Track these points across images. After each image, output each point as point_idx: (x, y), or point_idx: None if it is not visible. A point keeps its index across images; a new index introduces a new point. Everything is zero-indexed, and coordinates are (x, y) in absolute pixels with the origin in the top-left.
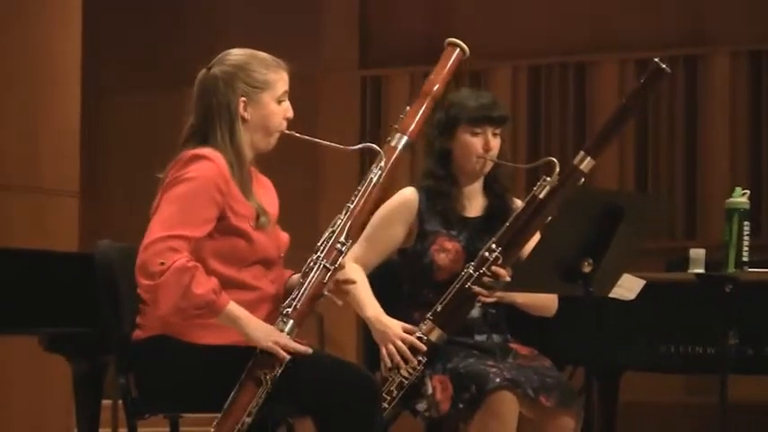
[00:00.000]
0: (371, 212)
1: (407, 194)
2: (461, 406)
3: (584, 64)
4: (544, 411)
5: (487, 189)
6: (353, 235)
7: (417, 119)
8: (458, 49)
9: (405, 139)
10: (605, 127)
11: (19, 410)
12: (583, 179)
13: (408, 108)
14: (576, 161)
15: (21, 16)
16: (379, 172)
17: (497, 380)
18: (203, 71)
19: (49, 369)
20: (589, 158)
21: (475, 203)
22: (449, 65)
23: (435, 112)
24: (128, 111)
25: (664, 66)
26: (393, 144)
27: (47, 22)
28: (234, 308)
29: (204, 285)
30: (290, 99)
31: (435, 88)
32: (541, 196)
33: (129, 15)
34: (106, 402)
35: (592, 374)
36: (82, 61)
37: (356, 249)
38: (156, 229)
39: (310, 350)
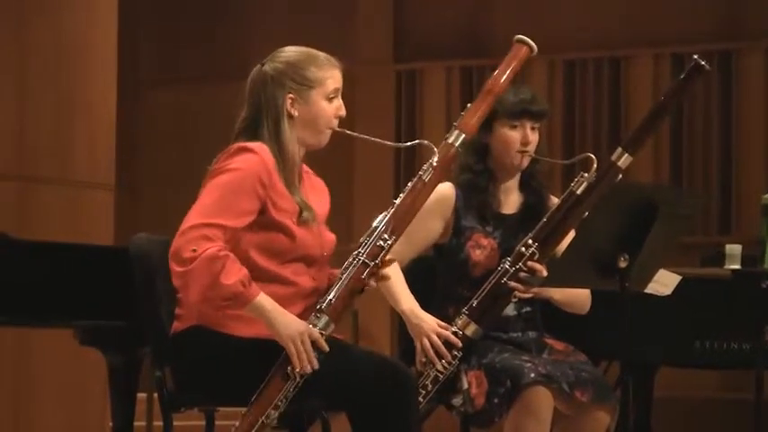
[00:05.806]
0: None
1: (444, 189)
2: (496, 401)
3: (618, 58)
4: (579, 406)
5: (524, 185)
6: (398, 232)
7: (477, 116)
8: (525, 47)
9: (462, 136)
10: (643, 124)
11: (56, 402)
12: (620, 175)
13: (469, 105)
14: (613, 157)
15: (55, 5)
16: (431, 170)
17: (532, 375)
18: (257, 67)
19: (86, 361)
20: (627, 155)
21: (511, 200)
22: (515, 63)
23: None
24: (164, 104)
25: (703, 63)
26: (450, 141)
27: (81, 11)
28: (264, 300)
29: (233, 276)
30: None
31: (499, 85)
32: (579, 192)
33: (167, 10)
34: (141, 395)
35: (627, 370)
36: (120, 54)
37: None
38: (193, 217)
39: (327, 349)
